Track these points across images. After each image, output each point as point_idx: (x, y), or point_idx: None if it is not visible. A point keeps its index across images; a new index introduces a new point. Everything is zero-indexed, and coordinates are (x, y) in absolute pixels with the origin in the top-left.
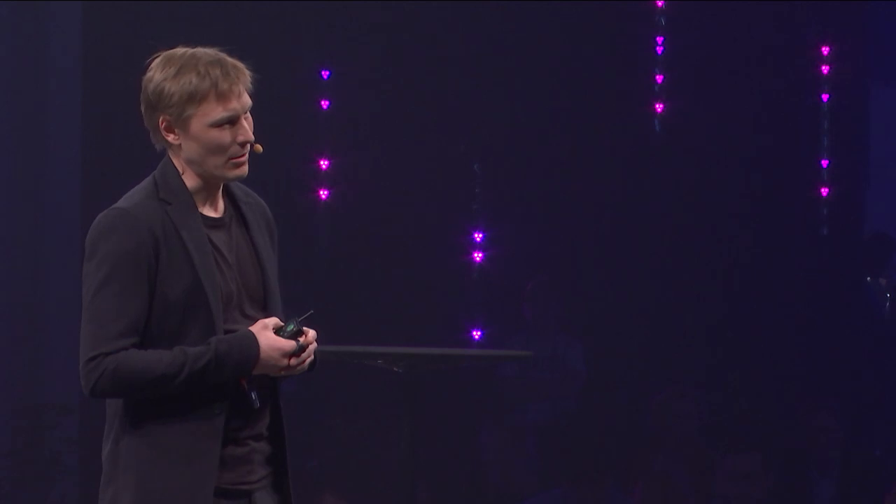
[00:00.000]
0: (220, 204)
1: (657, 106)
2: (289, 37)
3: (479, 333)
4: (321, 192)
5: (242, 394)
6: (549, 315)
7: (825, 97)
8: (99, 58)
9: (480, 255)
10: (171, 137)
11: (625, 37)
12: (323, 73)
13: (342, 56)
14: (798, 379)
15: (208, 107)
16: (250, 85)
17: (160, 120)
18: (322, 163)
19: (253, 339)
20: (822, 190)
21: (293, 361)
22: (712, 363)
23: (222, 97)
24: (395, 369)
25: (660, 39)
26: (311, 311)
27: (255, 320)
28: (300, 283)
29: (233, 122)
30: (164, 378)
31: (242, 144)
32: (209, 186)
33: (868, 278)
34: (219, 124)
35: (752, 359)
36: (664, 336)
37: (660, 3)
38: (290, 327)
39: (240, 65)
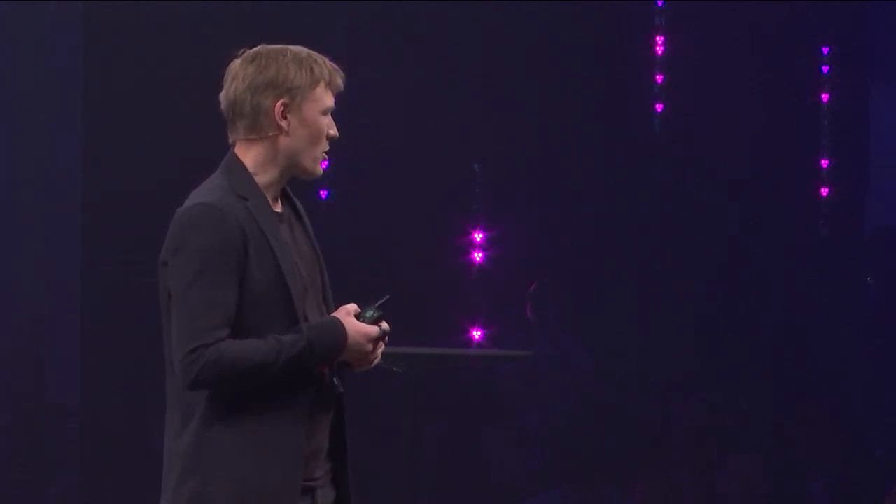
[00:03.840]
0: (279, 201)
1: (657, 106)
2: (289, 37)
3: (479, 333)
4: (321, 192)
5: (322, 382)
6: (551, 315)
7: (825, 97)
8: (99, 58)
9: (480, 255)
10: (283, 123)
11: (625, 37)
12: None
13: (342, 56)
14: (798, 379)
15: (321, 92)
16: (341, 88)
17: (278, 103)
18: (322, 162)
19: (341, 326)
20: (822, 190)
21: (377, 347)
22: (712, 363)
23: (329, 86)
24: (395, 369)
25: (660, 39)
26: (388, 297)
27: (321, 313)
28: None
29: (329, 113)
30: (262, 366)
31: (330, 139)
32: (280, 183)
33: (868, 278)
34: (325, 112)
35: (752, 359)
36: (663, 336)
37: (660, 3)
38: (370, 313)
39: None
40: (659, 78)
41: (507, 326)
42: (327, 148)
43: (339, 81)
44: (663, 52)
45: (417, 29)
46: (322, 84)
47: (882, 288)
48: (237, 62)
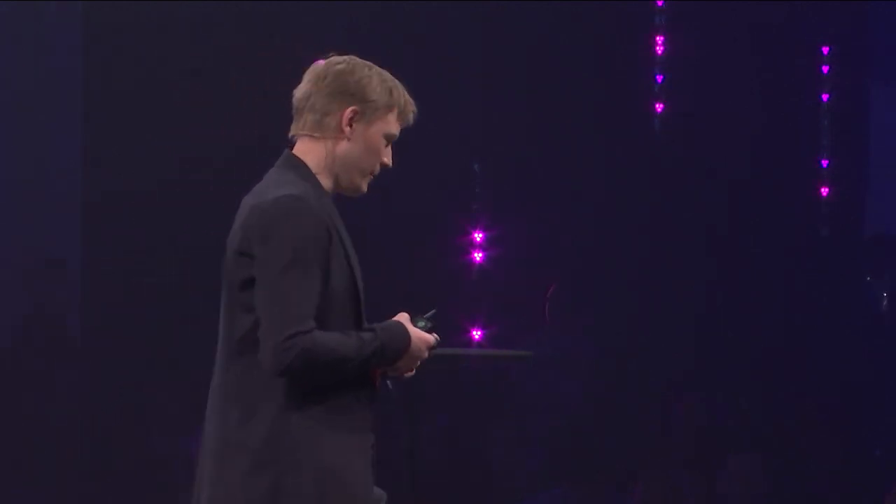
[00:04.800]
0: None
1: (657, 106)
2: (289, 37)
3: (479, 333)
4: None
5: (374, 383)
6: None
7: (825, 97)
8: (99, 58)
9: (480, 255)
10: (347, 129)
11: (625, 37)
12: None
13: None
14: (798, 379)
15: (392, 118)
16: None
17: (348, 109)
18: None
19: (406, 330)
20: (822, 190)
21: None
22: (712, 363)
23: (401, 116)
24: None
25: (660, 39)
26: (435, 310)
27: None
28: None
29: (390, 142)
30: (346, 360)
31: (382, 166)
32: (333, 191)
33: (868, 278)
34: (387, 138)
35: (752, 359)
36: (663, 335)
37: (660, 3)
38: (423, 324)
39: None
40: (659, 78)
41: (508, 326)
42: (377, 171)
43: (411, 117)
44: (663, 52)
45: (417, 29)
46: (395, 111)
47: (882, 288)
48: (323, 62)
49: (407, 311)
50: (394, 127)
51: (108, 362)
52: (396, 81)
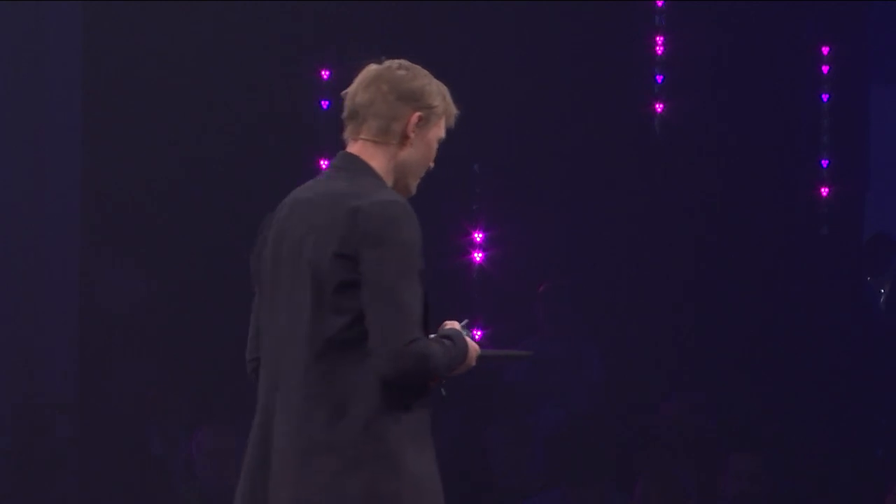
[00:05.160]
0: None
1: (657, 106)
2: (289, 37)
3: (479, 333)
4: None
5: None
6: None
7: (825, 97)
8: (99, 58)
9: (480, 255)
10: (412, 134)
11: (625, 37)
12: (323, 73)
13: (342, 56)
14: (798, 378)
15: (443, 123)
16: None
17: (415, 115)
18: (322, 162)
19: (464, 339)
20: (822, 190)
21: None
22: (712, 363)
23: (448, 121)
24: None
25: (660, 39)
26: (468, 320)
27: None
28: None
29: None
30: (441, 367)
31: (427, 170)
32: None
33: (868, 278)
34: (438, 142)
35: (752, 358)
36: (663, 335)
37: (660, 3)
38: (466, 332)
39: None
40: (659, 78)
41: (508, 326)
42: (424, 175)
43: (453, 121)
44: (663, 52)
45: (417, 29)
46: (446, 116)
47: (882, 288)
48: (377, 66)
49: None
50: (443, 131)
51: (107, 362)
52: (444, 87)
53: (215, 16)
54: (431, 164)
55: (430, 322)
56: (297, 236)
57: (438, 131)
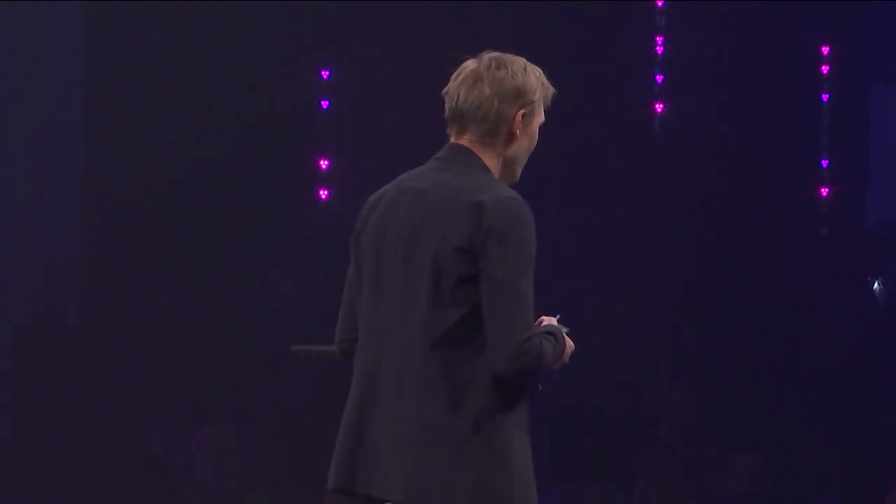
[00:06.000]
0: None
1: (657, 106)
2: (289, 37)
3: None
4: (321, 192)
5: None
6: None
7: (825, 97)
8: (99, 58)
9: None
10: (518, 130)
11: (625, 37)
12: (323, 73)
13: (342, 56)
14: (799, 378)
15: (542, 109)
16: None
17: (519, 113)
18: (322, 163)
19: (563, 335)
20: (822, 190)
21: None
22: (712, 362)
23: (546, 104)
24: None
25: (660, 39)
26: (560, 315)
27: None
28: (300, 283)
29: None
30: (549, 364)
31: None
32: None
33: (868, 278)
34: (541, 126)
35: (752, 358)
36: (664, 335)
37: (660, 3)
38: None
39: None
40: (659, 78)
41: None
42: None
43: (550, 101)
44: (663, 52)
45: (418, 29)
46: (545, 101)
47: (882, 287)
48: (474, 64)
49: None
50: (542, 116)
51: (107, 362)
52: (538, 69)
53: (215, 16)
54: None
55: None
56: (411, 226)
57: (540, 118)
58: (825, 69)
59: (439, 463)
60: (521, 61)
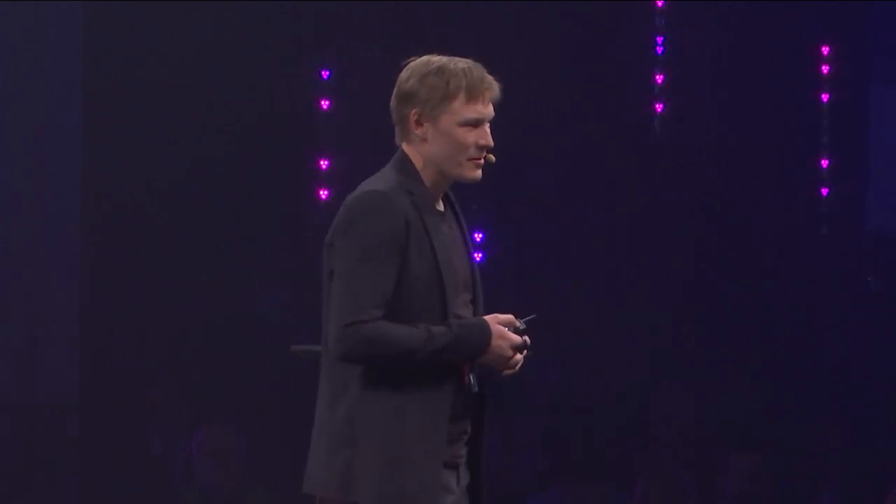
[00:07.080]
0: (440, 201)
1: (657, 106)
2: (289, 37)
3: None
4: (321, 192)
5: (462, 377)
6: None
7: (825, 97)
8: (99, 58)
9: (480, 255)
10: (419, 130)
11: (625, 37)
12: (323, 73)
13: (342, 56)
14: (799, 378)
15: (459, 105)
16: (497, 98)
17: (412, 112)
18: (322, 163)
19: (487, 328)
20: (822, 190)
21: (518, 356)
22: (712, 362)
23: (472, 99)
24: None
25: (660, 39)
26: (534, 315)
27: (469, 313)
28: (300, 283)
29: (477, 124)
30: (410, 352)
31: (481, 148)
32: (441, 184)
33: (868, 278)
34: (465, 124)
35: (753, 358)
36: (664, 335)
37: (660, 3)
38: (518, 325)
39: (489, 77)
40: (659, 78)
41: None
42: (477, 155)
43: (487, 93)
44: (663, 52)
45: (417, 29)
46: (461, 97)
47: (882, 288)
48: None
49: (520, 317)
50: (468, 111)
51: (107, 362)
52: (460, 66)
53: (215, 16)
54: (482, 142)
55: (448, 306)
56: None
57: (452, 117)
58: (825, 69)
59: (324, 448)
60: (427, 63)
